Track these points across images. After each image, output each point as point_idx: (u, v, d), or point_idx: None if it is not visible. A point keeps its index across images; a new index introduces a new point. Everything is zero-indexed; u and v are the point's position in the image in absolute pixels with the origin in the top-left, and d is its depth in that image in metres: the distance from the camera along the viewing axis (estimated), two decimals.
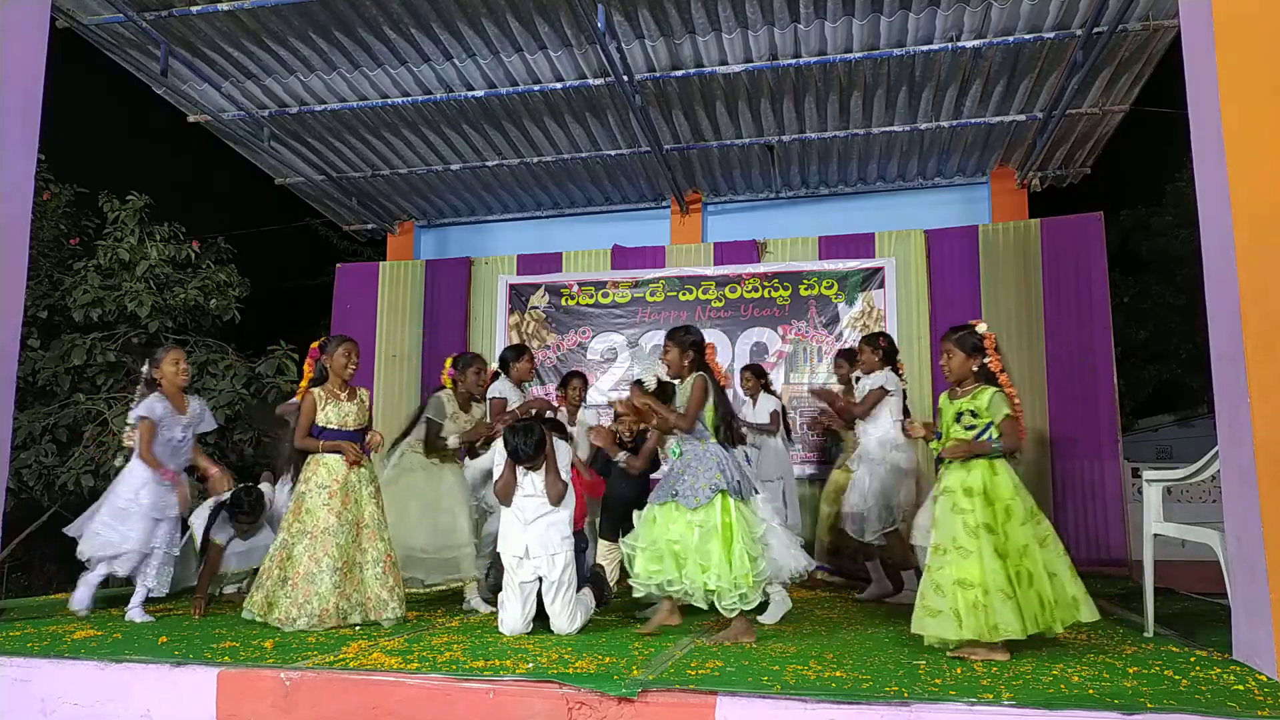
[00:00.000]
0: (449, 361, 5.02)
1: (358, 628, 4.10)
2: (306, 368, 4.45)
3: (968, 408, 3.54)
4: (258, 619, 4.17)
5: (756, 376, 6.39)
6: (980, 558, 3.33)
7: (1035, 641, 3.71)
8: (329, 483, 4.25)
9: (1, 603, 5.20)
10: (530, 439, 4.05)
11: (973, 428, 3.51)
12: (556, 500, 4.16)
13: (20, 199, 4.36)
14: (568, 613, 4.04)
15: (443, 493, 4.93)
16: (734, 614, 3.72)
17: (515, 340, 8.28)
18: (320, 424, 4.32)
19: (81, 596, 4.50)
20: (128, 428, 4.64)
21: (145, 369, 4.71)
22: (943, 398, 3.75)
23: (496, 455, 4.29)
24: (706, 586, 3.71)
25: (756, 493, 4.08)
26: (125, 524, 4.42)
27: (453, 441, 4.91)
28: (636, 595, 4.11)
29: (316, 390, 4.34)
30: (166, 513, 4.53)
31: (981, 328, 3.67)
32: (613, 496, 5.12)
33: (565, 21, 6.07)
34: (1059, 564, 3.41)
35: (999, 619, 3.24)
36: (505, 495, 4.21)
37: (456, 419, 4.97)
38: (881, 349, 5.22)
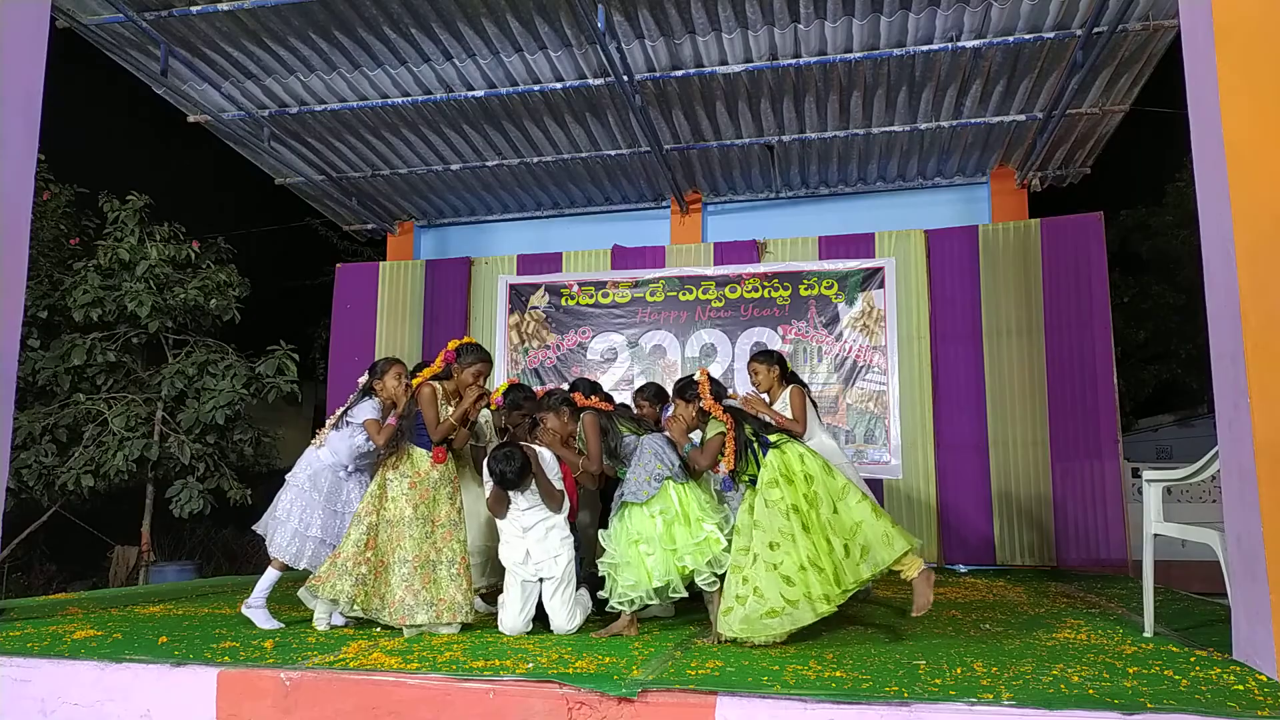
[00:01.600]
0: (501, 388, 4.88)
1: (423, 628, 4.05)
2: (439, 360, 4.44)
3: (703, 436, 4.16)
4: (344, 607, 4.06)
5: (651, 403, 5.09)
6: (795, 539, 3.61)
7: (1035, 642, 3.72)
8: (410, 474, 4.25)
9: (1, 603, 5.18)
10: (513, 465, 4.02)
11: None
12: (558, 509, 4.18)
13: (20, 199, 4.35)
14: (567, 610, 4.04)
15: (479, 494, 4.91)
16: (714, 589, 3.85)
17: (515, 341, 8.29)
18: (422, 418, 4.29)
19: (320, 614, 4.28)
20: (344, 426, 4.46)
21: (364, 378, 4.59)
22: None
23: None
24: (682, 570, 3.86)
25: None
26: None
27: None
28: (614, 607, 4.01)
29: (436, 385, 4.32)
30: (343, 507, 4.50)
31: (697, 375, 4.19)
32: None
33: (565, 21, 6.07)
34: (862, 509, 3.67)
35: (815, 591, 3.54)
36: (498, 509, 4.21)
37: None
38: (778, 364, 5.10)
